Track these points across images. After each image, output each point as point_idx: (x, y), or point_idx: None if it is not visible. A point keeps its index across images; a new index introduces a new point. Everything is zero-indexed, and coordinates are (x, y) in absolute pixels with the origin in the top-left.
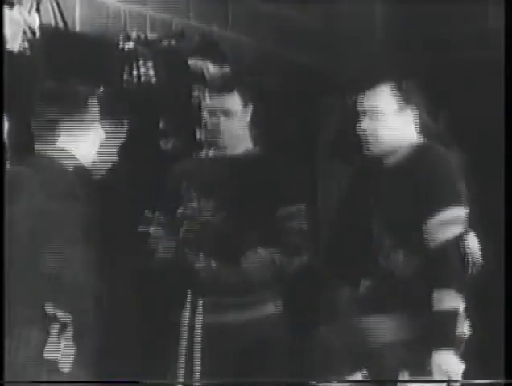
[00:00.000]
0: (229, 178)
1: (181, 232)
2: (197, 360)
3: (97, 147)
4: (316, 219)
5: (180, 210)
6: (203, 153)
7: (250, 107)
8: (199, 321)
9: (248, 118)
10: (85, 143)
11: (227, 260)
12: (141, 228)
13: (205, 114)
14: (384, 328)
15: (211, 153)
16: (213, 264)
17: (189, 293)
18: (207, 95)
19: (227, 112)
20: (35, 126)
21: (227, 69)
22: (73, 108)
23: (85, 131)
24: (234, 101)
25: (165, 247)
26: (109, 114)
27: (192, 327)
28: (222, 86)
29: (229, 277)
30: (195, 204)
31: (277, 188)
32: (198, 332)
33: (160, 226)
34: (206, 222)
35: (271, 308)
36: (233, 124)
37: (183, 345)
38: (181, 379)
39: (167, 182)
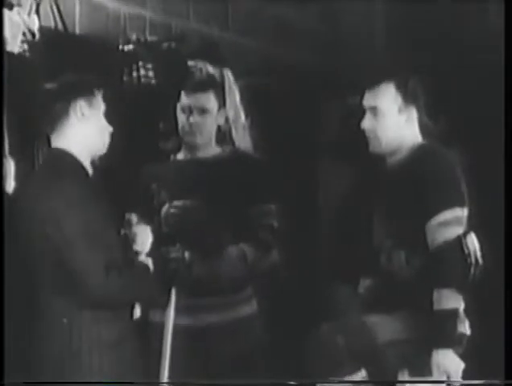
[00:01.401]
0: (205, 178)
1: (160, 230)
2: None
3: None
4: (317, 218)
5: (161, 209)
6: (179, 154)
7: (235, 106)
8: (179, 321)
9: (224, 117)
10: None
11: (210, 260)
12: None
13: (179, 113)
14: (383, 328)
15: (186, 152)
16: (194, 262)
17: (172, 293)
18: (182, 93)
19: (202, 111)
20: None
21: (206, 68)
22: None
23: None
24: (209, 100)
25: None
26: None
27: (176, 327)
28: (198, 84)
29: (213, 277)
30: (174, 204)
31: (264, 186)
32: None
33: (136, 226)
34: (186, 220)
35: (253, 307)
36: (208, 123)
37: (166, 345)
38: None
39: (140, 183)
